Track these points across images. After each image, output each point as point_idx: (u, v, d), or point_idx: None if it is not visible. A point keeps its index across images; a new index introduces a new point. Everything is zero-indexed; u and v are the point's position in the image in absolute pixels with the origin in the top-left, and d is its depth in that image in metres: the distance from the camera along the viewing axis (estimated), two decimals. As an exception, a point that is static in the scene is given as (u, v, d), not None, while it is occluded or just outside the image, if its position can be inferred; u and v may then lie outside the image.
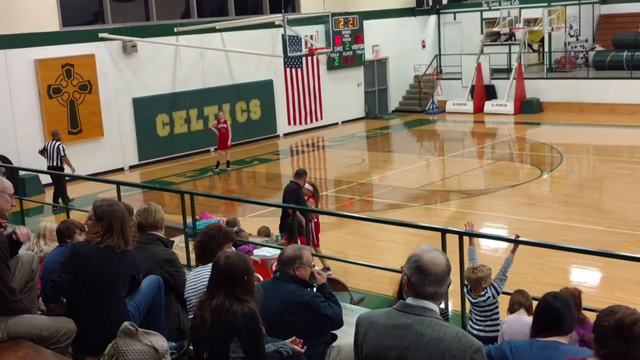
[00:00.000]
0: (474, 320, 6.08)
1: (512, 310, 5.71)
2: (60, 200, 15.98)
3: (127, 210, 5.40)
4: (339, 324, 4.82)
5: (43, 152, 16.39)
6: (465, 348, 2.98)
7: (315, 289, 4.89)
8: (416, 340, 3.02)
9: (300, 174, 11.19)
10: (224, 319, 4.05)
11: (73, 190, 16.61)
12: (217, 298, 4.10)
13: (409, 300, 3.11)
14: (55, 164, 16.13)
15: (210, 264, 4.37)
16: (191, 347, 4.47)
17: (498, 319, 5.99)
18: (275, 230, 11.18)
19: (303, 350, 4.47)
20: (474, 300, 6.03)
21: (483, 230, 11.80)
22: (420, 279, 3.06)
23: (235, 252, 4.36)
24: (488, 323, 6.00)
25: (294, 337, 4.47)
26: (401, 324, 3.08)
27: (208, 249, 5.04)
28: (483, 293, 5.97)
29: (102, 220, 4.80)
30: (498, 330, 5.84)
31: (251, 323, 4.07)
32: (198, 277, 4.96)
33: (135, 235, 5.20)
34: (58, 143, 16.24)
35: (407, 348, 3.03)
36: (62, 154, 16.10)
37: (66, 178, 16.40)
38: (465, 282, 6.16)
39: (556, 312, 3.90)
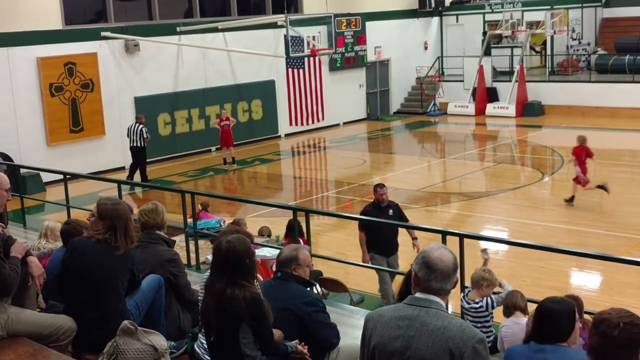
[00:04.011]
0: None
1: (508, 313, 5.69)
2: (134, 175, 17.88)
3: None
4: (333, 344, 4.79)
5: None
6: (469, 338, 3.06)
7: (315, 289, 4.89)
8: (420, 329, 3.11)
9: (375, 187, 9.90)
10: (227, 306, 4.08)
11: (74, 189, 16.56)
12: (219, 282, 4.14)
13: (417, 294, 3.21)
14: (137, 144, 18.05)
15: None
16: (202, 340, 4.48)
17: (490, 328, 5.96)
18: (275, 231, 11.14)
19: (307, 355, 4.47)
20: (467, 306, 6.00)
21: (483, 233, 11.79)
22: (427, 274, 3.16)
23: (237, 236, 4.32)
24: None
25: (297, 340, 4.49)
26: (407, 315, 3.17)
27: None
28: (478, 300, 5.93)
29: (104, 218, 4.82)
30: (489, 337, 5.83)
31: (254, 307, 4.10)
32: None
33: (138, 235, 5.20)
34: (141, 126, 18.05)
35: (412, 337, 3.12)
36: (145, 136, 17.96)
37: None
38: (466, 284, 6.13)
39: (553, 316, 3.83)
